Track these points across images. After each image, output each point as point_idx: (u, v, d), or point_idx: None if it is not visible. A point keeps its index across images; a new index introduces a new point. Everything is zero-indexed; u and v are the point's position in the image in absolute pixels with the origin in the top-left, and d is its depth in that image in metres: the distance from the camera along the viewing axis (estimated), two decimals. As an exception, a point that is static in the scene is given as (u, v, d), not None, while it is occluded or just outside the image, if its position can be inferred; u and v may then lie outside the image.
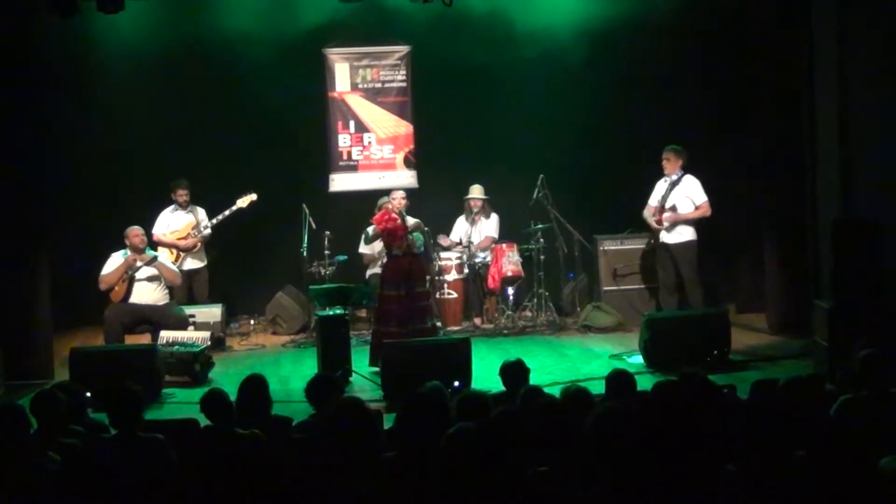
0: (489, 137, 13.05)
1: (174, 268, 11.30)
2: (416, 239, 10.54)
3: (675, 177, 11.46)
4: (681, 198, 11.42)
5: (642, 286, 12.30)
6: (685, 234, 11.46)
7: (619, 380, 6.33)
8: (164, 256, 11.44)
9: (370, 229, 10.73)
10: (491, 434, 4.49)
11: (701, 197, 11.40)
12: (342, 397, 6.15)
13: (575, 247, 12.32)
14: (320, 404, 6.30)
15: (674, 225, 11.43)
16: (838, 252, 9.34)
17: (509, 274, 12.03)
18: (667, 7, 12.45)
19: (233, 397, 6.28)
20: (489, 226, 12.50)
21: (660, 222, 11.48)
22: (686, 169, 11.46)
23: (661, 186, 11.62)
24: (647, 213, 11.68)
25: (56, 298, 10.80)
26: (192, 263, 12.04)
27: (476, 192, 12.43)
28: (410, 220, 10.54)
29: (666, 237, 11.51)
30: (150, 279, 10.91)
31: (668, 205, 11.45)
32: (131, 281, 10.82)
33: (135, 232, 10.95)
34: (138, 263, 10.83)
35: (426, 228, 10.95)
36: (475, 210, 12.40)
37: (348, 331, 10.22)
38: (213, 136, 12.83)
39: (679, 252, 11.46)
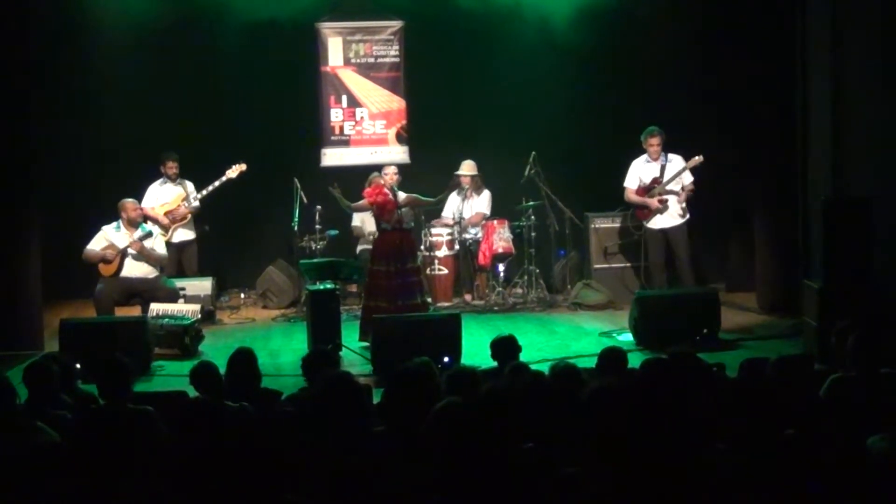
0: (482, 113, 13.00)
1: (161, 252, 11.08)
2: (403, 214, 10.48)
3: (663, 158, 11.46)
4: (675, 178, 11.44)
5: (633, 264, 12.28)
6: (683, 215, 11.46)
7: (612, 357, 6.35)
8: (157, 230, 11.30)
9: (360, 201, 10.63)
10: (479, 409, 4.48)
11: (689, 176, 11.41)
12: (332, 371, 6.14)
13: (566, 224, 12.28)
14: (316, 378, 6.29)
15: (674, 205, 11.42)
16: (828, 232, 9.33)
17: (500, 251, 12.00)
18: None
19: (222, 370, 6.29)
20: (481, 202, 12.45)
21: (662, 202, 11.45)
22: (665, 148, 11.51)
23: (643, 168, 11.59)
24: (635, 196, 11.63)
25: (46, 270, 10.72)
26: (181, 236, 12.01)
27: (466, 168, 12.31)
28: (402, 195, 10.49)
29: (662, 221, 11.48)
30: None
31: (669, 186, 11.43)
32: (122, 256, 10.77)
33: (132, 206, 10.91)
34: (124, 246, 10.74)
35: (428, 198, 10.80)
36: (465, 186, 12.34)
37: (338, 305, 10.20)
38: (203, 109, 12.78)
39: (676, 234, 11.47)
